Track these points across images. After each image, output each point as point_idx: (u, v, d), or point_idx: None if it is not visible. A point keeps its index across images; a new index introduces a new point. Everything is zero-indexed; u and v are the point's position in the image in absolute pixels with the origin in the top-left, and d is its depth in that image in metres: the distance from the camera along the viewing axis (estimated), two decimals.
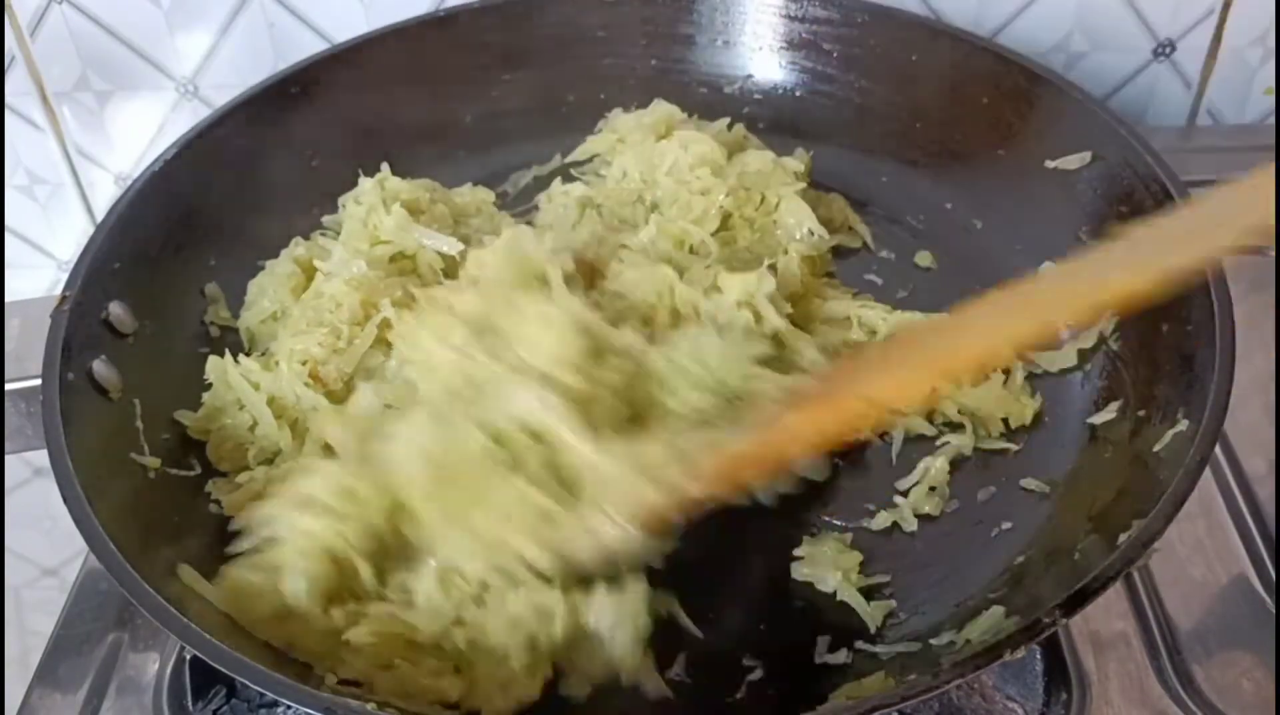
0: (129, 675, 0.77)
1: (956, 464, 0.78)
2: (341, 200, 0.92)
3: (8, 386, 0.99)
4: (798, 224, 0.90)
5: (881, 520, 0.75)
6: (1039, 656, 0.73)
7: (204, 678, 0.75)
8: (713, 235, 0.89)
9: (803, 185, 0.92)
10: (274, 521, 0.68)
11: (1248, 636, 0.74)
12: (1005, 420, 0.79)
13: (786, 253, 0.87)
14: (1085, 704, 0.71)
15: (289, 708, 0.72)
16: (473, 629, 0.66)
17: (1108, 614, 0.75)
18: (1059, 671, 0.72)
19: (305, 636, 0.66)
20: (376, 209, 0.88)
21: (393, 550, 0.68)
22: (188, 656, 0.76)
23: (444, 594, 0.66)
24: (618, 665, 0.66)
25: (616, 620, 0.66)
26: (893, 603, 0.71)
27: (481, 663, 0.66)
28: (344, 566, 0.67)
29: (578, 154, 1.02)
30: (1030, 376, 0.81)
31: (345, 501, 0.67)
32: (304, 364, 0.78)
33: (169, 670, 0.76)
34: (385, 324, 0.80)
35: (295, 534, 0.67)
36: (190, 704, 0.74)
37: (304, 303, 0.84)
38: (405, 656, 0.66)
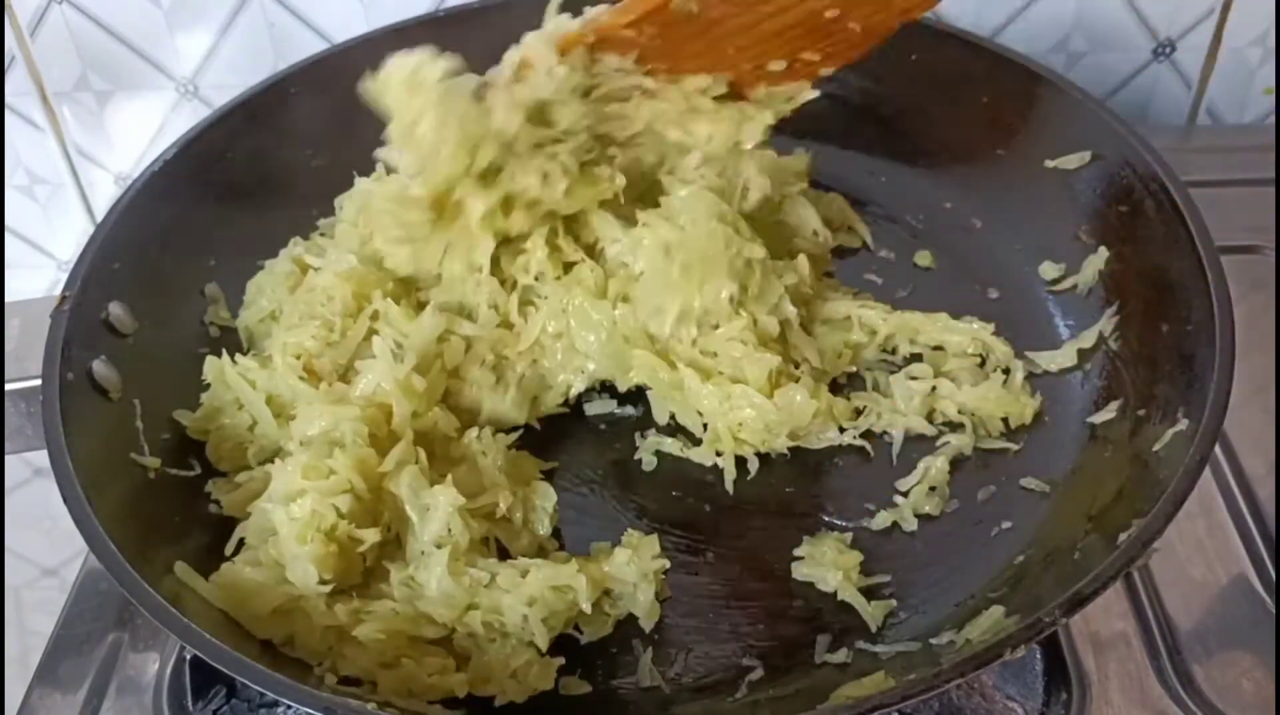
0: (129, 675, 0.77)
1: (956, 464, 0.78)
2: (338, 201, 0.92)
3: (8, 386, 0.99)
4: (803, 224, 0.90)
5: (881, 520, 0.75)
6: (1039, 656, 0.73)
7: (204, 678, 0.75)
8: None
9: (803, 185, 0.92)
10: (265, 519, 0.69)
11: (1248, 636, 0.74)
12: (1005, 420, 0.79)
13: (794, 256, 0.86)
14: (1085, 704, 0.71)
15: (289, 708, 0.72)
16: (488, 611, 0.67)
17: (1108, 614, 0.75)
18: (1059, 671, 0.72)
19: (307, 634, 0.67)
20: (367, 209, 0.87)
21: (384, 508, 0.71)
22: (188, 656, 0.76)
23: (455, 580, 0.67)
24: (638, 615, 0.70)
25: (637, 577, 0.70)
26: (893, 602, 0.71)
27: (494, 648, 0.67)
28: (344, 546, 0.68)
29: None
30: (1030, 376, 0.81)
31: (322, 478, 0.69)
32: (298, 358, 0.78)
33: (169, 670, 0.76)
34: (377, 316, 0.80)
35: (289, 525, 0.67)
36: (190, 704, 0.74)
37: (295, 297, 0.84)
38: (409, 654, 0.66)
